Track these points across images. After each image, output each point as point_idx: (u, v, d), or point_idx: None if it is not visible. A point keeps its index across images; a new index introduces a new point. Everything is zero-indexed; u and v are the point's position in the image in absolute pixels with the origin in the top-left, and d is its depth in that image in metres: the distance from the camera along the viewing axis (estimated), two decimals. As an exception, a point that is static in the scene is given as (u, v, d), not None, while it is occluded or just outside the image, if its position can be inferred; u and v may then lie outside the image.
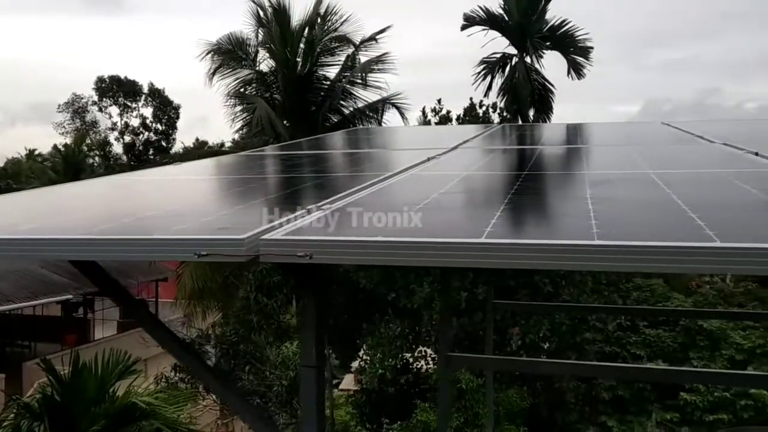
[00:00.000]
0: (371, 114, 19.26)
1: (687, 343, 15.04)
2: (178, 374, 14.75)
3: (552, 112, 20.53)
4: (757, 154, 3.56)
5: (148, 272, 24.06)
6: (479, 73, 20.77)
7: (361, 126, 18.97)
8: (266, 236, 1.80)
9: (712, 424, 13.81)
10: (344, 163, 4.49)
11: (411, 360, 15.01)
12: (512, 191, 2.65)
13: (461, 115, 20.79)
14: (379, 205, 2.45)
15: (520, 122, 19.30)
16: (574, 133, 6.26)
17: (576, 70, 19.91)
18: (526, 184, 2.87)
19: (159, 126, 48.92)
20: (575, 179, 3.00)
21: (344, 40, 19.41)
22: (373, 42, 19.09)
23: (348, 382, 18.80)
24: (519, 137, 6.02)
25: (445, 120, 20.63)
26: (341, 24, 19.26)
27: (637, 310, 13.82)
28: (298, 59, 19.48)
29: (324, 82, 19.83)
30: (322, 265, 1.79)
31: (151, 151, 48.41)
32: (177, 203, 2.90)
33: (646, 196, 2.38)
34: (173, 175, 4.15)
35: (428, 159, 4.01)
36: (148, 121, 48.85)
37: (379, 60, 18.75)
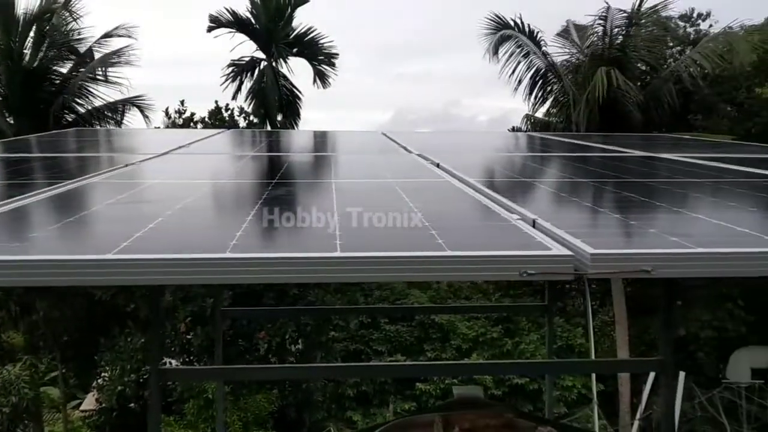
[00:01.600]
0: (110, 114, 18.07)
1: (422, 336, 16.24)
2: None
3: (299, 118, 20.94)
4: (438, 165, 3.91)
5: None
6: (228, 75, 20.53)
7: (99, 126, 17.71)
8: None
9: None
10: (32, 168, 4.12)
11: (155, 373, 14.33)
12: (184, 202, 2.61)
13: (206, 118, 20.34)
14: (28, 218, 2.26)
15: (268, 127, 19.37)
16: (298, 140, 6.42)
17: (321, 77, 20.50)
18: (202, 195, 2.84)
19: None
20: (259, 188, 3.04)
21: (82, 37, 18.01)
22: (115, 36, 17.94)
23: (90, 401, 17.48)
24: (240, 144, 6.01)
25: (188, 122, 20.02)
26: (80, 17, 17.82)
27: (377, 309, 14.57)
28: (26, 50, 17.68)
29: (58, 77, 18.20)
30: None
31: None
32: None
33: (312, 206, 2.48)
34: None
35: (126, 165, 3.83)
36: None
37: (118, 53, 17.64)
